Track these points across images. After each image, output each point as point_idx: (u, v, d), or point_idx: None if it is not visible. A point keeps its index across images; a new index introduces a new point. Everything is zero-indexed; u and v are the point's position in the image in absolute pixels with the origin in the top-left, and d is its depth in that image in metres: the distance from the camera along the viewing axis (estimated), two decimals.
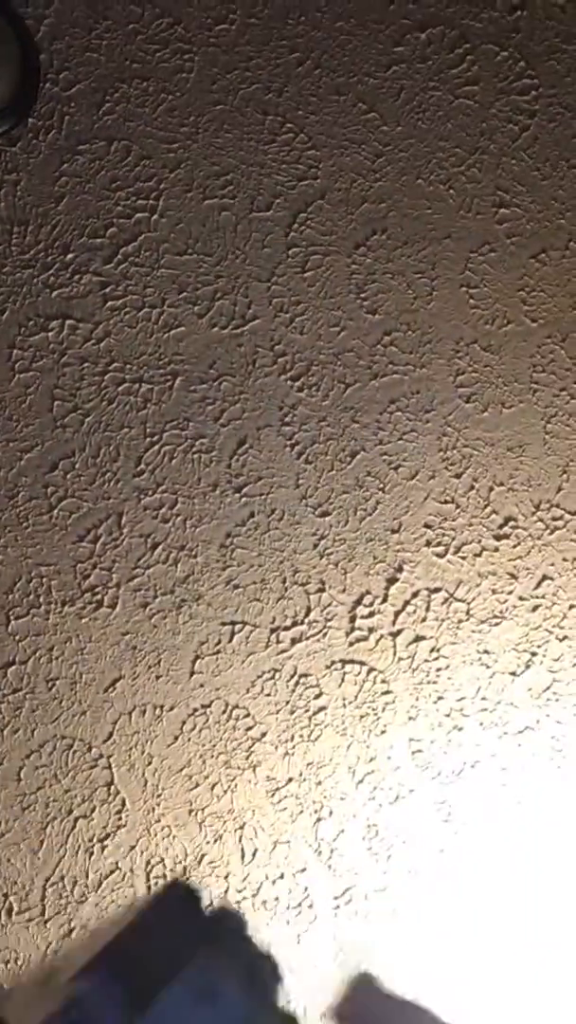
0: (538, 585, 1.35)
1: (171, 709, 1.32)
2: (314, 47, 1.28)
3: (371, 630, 1.33)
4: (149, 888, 1.33)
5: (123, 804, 1.32)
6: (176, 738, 1.32)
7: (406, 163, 1.30)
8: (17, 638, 1.28)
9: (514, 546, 1.35)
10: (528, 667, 1.35)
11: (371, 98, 1.29)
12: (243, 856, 1.34)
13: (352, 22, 1.28)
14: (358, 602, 1.33)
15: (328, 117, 1.29)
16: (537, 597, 1.35)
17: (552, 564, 1.35)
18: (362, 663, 1.34)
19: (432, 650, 1.34)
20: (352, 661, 1.33)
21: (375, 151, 1.30)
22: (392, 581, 1.33)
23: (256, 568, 1.31)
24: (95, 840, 1.32)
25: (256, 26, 1.27)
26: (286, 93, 1.28)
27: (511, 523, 1.35)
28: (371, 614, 1.33)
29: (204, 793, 1.33)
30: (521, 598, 1.35)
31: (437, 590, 1.34)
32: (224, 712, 1.32)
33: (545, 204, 1.33)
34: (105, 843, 1.32)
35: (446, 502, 1.34)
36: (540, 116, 1.32)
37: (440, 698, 1.35)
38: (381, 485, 1.33)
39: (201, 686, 1.32)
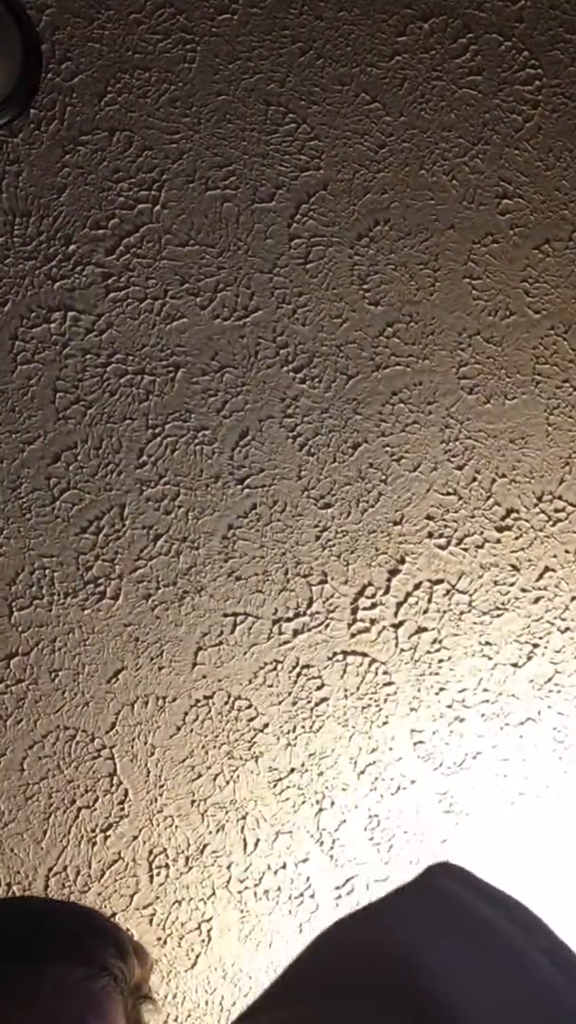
0: (540, 577, 1.35)
1: (173, 700, 1.32)
2: (316, 37, 1.27)
3: (373, 621, 1.34)
4: (151, 878, 1.34)
5: (125, 794, 1.33)
6: (178, 729, 1.33)
7: (409, 153, 1.30)
8: (20, 629, 1.29)
9: (516, 538, 1.35)
10: (530, 658, 1.36)
11: (374, 88, 1.29)
12: (245, 846, 1.34)
13: (355, 12, 1.27)
14: (360, 593, 1.33)
15: (331, 107, 1.28)
16: (539, 589, 1.35)
17: (554, 556, 1.35)
18: (364, 654, 1.34)
19: (434, 641, 1.35)
20: (354, 652, 1.34)
21: (378, 141, 1.29)
22: (394, 573, 1.34)
23: (258, 560, 1.31)
24: (98, 830, 1.33)
25: (258, 16, 1.26)
26: (288, 83, 1.27)
27: (513, 515, 1.35)
28: (373, 606, 1.33)
29: (206, 783, 1.33)
30: (523, 590, 1.35)
31: (439, 582, 1.34)
32: (226, 703, 1.33)
33: (548, 195, 1.32)
34: (108, 833, 1.33)
35: (448, 494, 1.34)
36: (543, 106, 1.31)
37: (442, 689, 1.35)
38: (383, 477, 1.33)
39: (203, 677, 1.32)
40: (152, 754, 1.32)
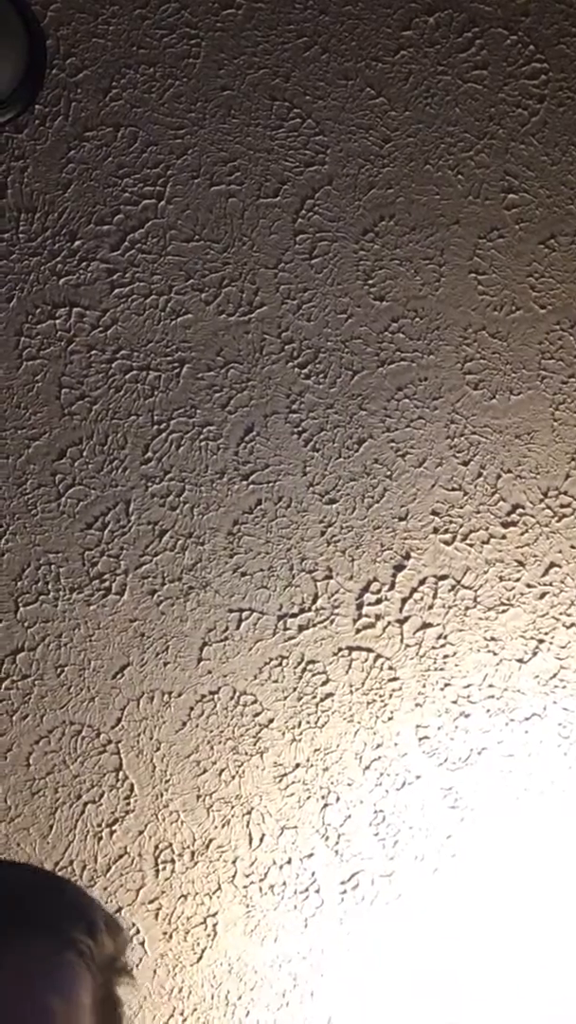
0: (545, 572, 1.35)
1: (179, 695, 1.32)
2: (321, 31, 1.27)
3: (378, 617, 1.34)
4: (157, 872, 1.34)
5: (131, 790, 1.33)
6: (184, 724, 1.33)
7: (414, 148, 1.30)
8: (26, 625, 1.29)
9: (521, 533, 1.35)
10: (535, 654, 1.36)
11: (379, 83, 1.28)
12: (251, 841, 1.35)
13: (360, 6, 1.27)
14: (365, 589, 1.33)
15: (336, 102, 1.28)
16: (544, 584, 1.35)
17: (560, 551, 1.35)
18: (369, 650, 1.34)
19: (439, 637, 1.35)
20: (359, 648, 1.34)
21: (383, 136, 1.29)
22: (399, 568, 1.34)
23: (263, 555, 1.31)
24: (104, 825, 1.33)
25: (263, 10, 1.26)
26: (293, 78, 1.27)
27: (519, 510, 1.35)
28: (378, 601, 1.34)
29: (212, 779, 1.34)
30: (528, 585, 1.35)
31: (444, 577, 1.34)
32: (232, 698, 1.33)
33: (554, 189, 1.32)
34: (114, 828, 1.33)
35: (453, 489, 1.34)
36: (549, 101, 1.31)
37: (447, 685, 1.35)
38: (388, 472, 1.32)
39: (209, 673, 1.33)
40: (158, 749, 1.33)
